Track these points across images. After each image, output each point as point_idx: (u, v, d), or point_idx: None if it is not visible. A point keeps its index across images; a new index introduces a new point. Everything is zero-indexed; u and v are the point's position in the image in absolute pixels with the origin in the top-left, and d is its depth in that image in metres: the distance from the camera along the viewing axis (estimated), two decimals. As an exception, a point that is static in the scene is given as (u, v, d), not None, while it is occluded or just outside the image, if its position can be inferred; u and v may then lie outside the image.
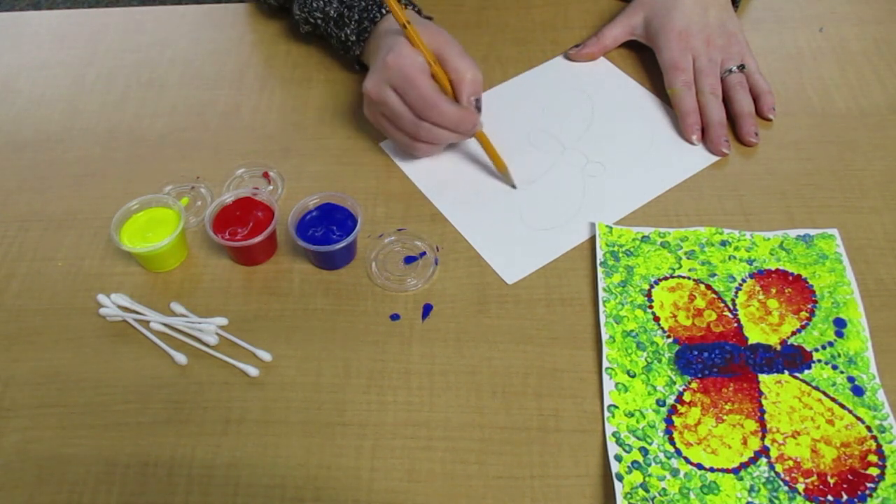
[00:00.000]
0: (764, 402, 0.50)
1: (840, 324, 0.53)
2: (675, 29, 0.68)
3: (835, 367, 0.51)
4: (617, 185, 0.62)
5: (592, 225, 0.60)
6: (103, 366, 0.54)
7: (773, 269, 0.56)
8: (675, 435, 0.48)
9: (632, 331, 0.53)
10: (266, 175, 0.65)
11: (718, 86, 0.66)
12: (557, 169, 0.64)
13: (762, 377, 0.51)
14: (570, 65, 0.73)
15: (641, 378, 0.51)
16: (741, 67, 0.67)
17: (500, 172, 0.63)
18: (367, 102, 0.62)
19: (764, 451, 0.48)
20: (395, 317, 0.55)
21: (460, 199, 0.62)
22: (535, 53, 0.74)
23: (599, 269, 0.56)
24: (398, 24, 0.58)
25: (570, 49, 0.73)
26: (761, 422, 0.49)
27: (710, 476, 0.47)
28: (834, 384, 0.50)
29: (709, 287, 0.56)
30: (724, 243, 0.58)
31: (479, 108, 0.60)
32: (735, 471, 0.47)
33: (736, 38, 0.68)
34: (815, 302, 0.54)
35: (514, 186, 0.63)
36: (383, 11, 0.64)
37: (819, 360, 0.51)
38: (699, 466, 0.47)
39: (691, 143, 0.65)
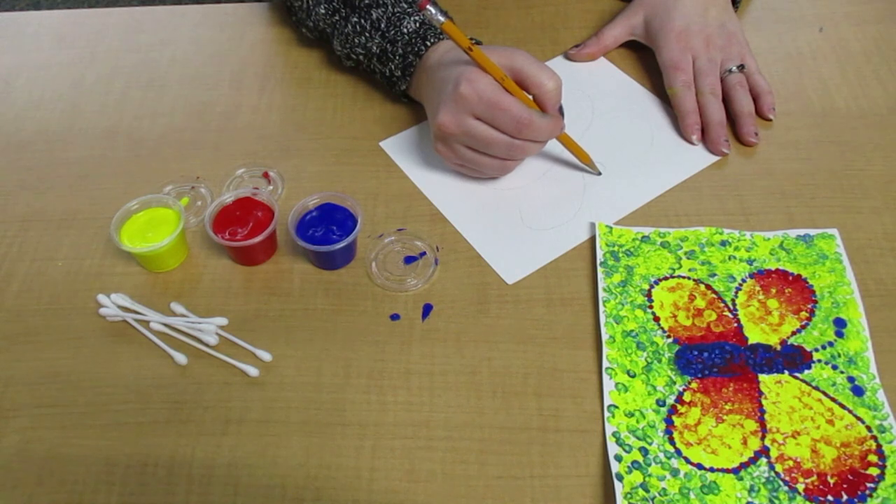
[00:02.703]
0: (764, 402, 0.50)
1: (840, 324, 0.53)
2: (675, 29, 0.68)
3: (835, 367, 0.51)
4: (617, 186, 0.63)
5: (592, 225, 0.60)
6: (103, 366, 0.54)
7: (773, 269, 0.56)
8: (675, 435, 0.48)
9: (632, 331, 0.53)
10: (266, 175, 0.65)
11: (718, 86, 0.66)
12: (557, 169, 0.64)
13: (762, 377, 0.51)
14: (569, 65, 0.73)
15: (641, 378, 0.51)
16: (741, 67, 0.67)
17: (584, 164, 0.63)
18: (443, 137, 0.59)
19: (764, 451, 0.48)
20: (395, 317, 0.55)
21: (460, 199, 0.62)
22: (535, 53, 0.73)
23: (599, 269, 0.56)
24: (461, 48, 0.55)
25: (571, 49, 0.73)
26: (761, 422, 0.49)
27: (710, 476, 0.47)
28: (834, 384, 0.50)
29: (709, 287, 0.56)
30: (724, 243, 0.58)
31: (562, 113, 0.59)
32: (735, 471, 0.47)
33: (736, 38, 0.68)
34: (815, 302, 0.54)
35: (599, 173, 0.63)
36: (428, 44, 0.63)
37: (819, 360, 0.51)
38: (699, 466, 0.47)
39: (691, 142, 0.65)
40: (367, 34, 0.65)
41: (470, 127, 0.56)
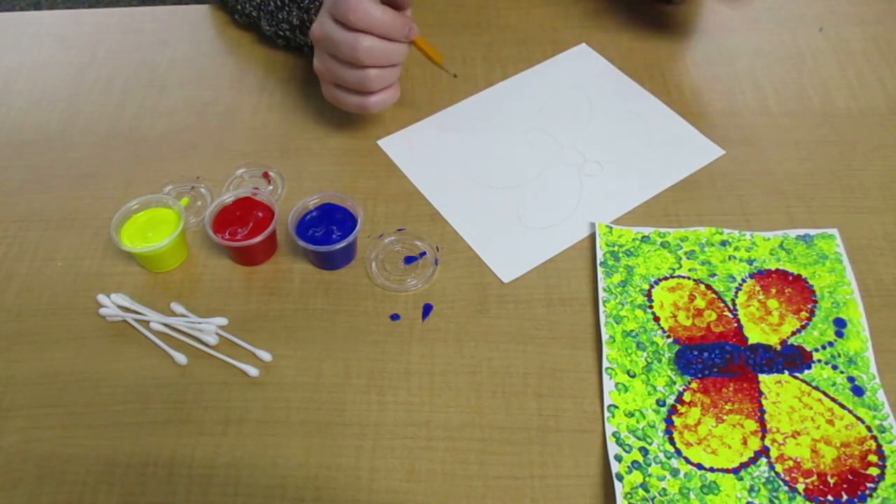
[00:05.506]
0: (764, 402, 0.50)
1: (840, 324, 0.53)
2: None
3: (835, 367, 0.51)
4: (614, 184, 0.62)
5: (590, 224, 0.60)
6: (103, 366, 0.54)
7: (773, 269, 0.56)
8: (675, 435, 0.48)
9: (632, 331, 0.53)
10: (266, 175, 0.65)
11: None
12: (555, 168, 0.64)
13: (762, 377, 0.51)
14: (568, 64, 0.73)
15: (641, 378, 0.51)
16: None
17: (437, 65, 0.64)
18: (316, 50, 0.60)
19: (764, 451, 0.48)
20: (395, 317, 0.55)
21: (459, 199, 0.62)
22: (535, 53, 0.74)
23: (599, 269, 0.56)
24: None
25: None
26: (761, 422, 0.49)
27: (710, 476, 0.47)
28: (834, 384, 0.50)
29: (709, 287, 0.56)
30: (724, 243, 0.58)
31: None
32: (735, 471, 0.47)
33: None
34: (815, 302, 0.54)
35: (454, 75, 0.66)
36: None
37: (819, 360, 0.51)
38: (699, 466, 0.47)
39: None
40: (286, 8, 0.68)
41: (329, 29, 0.57)
